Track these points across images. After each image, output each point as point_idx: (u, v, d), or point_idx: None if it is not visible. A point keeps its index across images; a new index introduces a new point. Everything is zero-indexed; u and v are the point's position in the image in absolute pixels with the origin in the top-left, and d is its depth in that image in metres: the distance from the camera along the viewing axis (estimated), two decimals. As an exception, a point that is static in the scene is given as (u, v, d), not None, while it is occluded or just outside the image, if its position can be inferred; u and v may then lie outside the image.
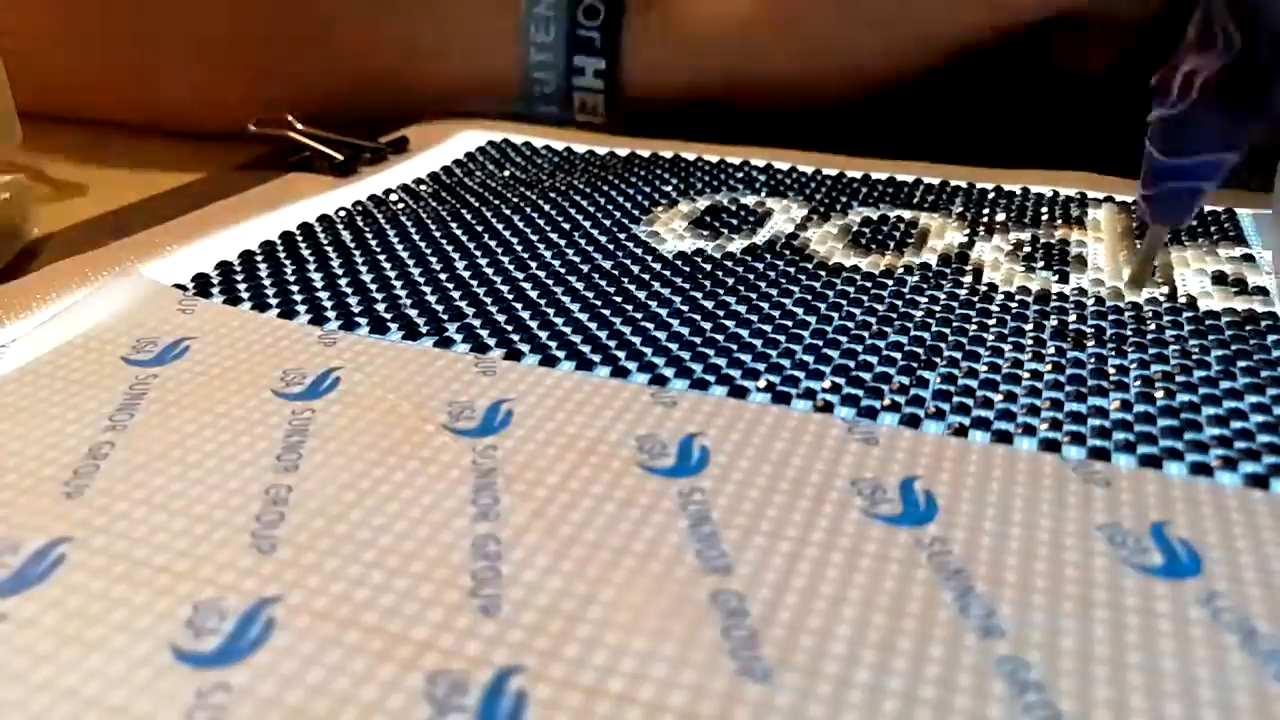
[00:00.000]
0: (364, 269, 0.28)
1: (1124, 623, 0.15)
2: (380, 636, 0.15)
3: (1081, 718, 0.13)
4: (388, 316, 0.25)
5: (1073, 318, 0.25)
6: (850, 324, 0.24)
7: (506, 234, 0.30)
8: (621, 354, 0.23)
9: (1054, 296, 0.26)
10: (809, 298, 0.26)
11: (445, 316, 0.25)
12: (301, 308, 0.25)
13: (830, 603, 0.15)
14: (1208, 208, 0.32)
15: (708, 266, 0.28)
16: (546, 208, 0.32)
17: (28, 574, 0.16)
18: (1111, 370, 0.22)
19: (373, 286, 0.26)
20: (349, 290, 0.26)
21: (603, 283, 0.27)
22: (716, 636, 0.15)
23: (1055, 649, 0.15)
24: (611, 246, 0.29)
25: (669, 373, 0.22)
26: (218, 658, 0.14)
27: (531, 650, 0.14)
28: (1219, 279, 0.27)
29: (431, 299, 0.26)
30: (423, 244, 0.29)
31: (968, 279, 0.27)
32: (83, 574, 0.16)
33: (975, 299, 0.26)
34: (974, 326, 0.24)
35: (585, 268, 0.28)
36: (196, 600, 0.15)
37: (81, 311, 0.24)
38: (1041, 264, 0.28)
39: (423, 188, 0.35)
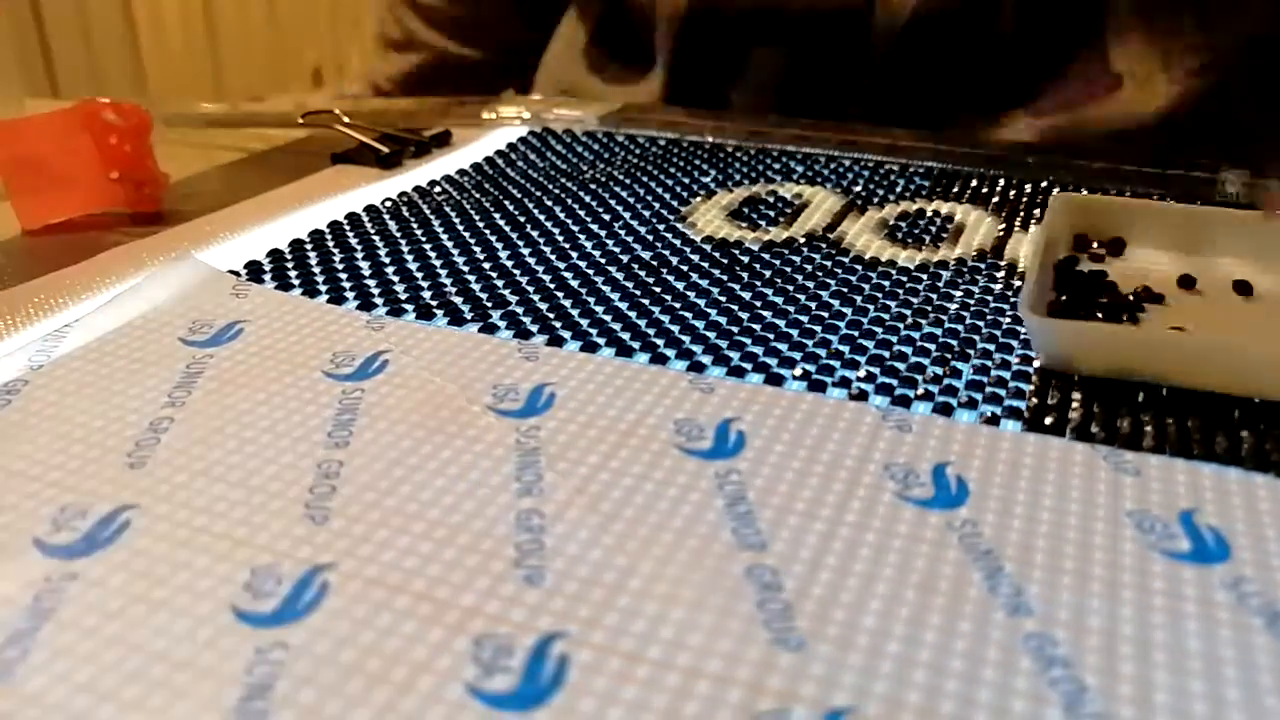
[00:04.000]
0: (410, 257, 0.28)
1: (1150, 604, 0.15)
2: (429, 602, 0.15)
3: (1106, 692, 0.14)
4: (433, 303, 0.25)
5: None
6: (885, 315, 0.25)
7: (548, 224, 0.31)
8: (660, 341, 0.23)
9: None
10: (845, 290, 0.26)
11: (489, 303, 0.25)
12: (350, 294, 0.26)
13: (862, 579, 0.16)
14: None
15: (745, 258, 0.28)
16: (587, 199, 0.33)
17: (96, 537, 0.17)
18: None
19: (418, 274, 0.27)
20: (396, 278, 0.27)
21: (642, 273, 0.27)
22: (752, 608, 0.15)
23: (1082, 628, 0.15)
24: (651, 237, 0.30)
25: (706, 360, 0.23)
26: (275, 618, 0.15)
27: (574, 618, 0.15)
28: None
29: (475, 287, 0.26)
30: (466, 233, 0.30)
31: (1001, 273, 0.27)
32: (147, 539, 0.17)
33: (1009, 292, 0.26)
34: (1007, 319, 0.25)
35: (625, 258, 0.28)
36: (254, 565, 0.16)
37: (140, 294, 0.25)
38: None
39: (465, 179, 0.35)
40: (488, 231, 0.30)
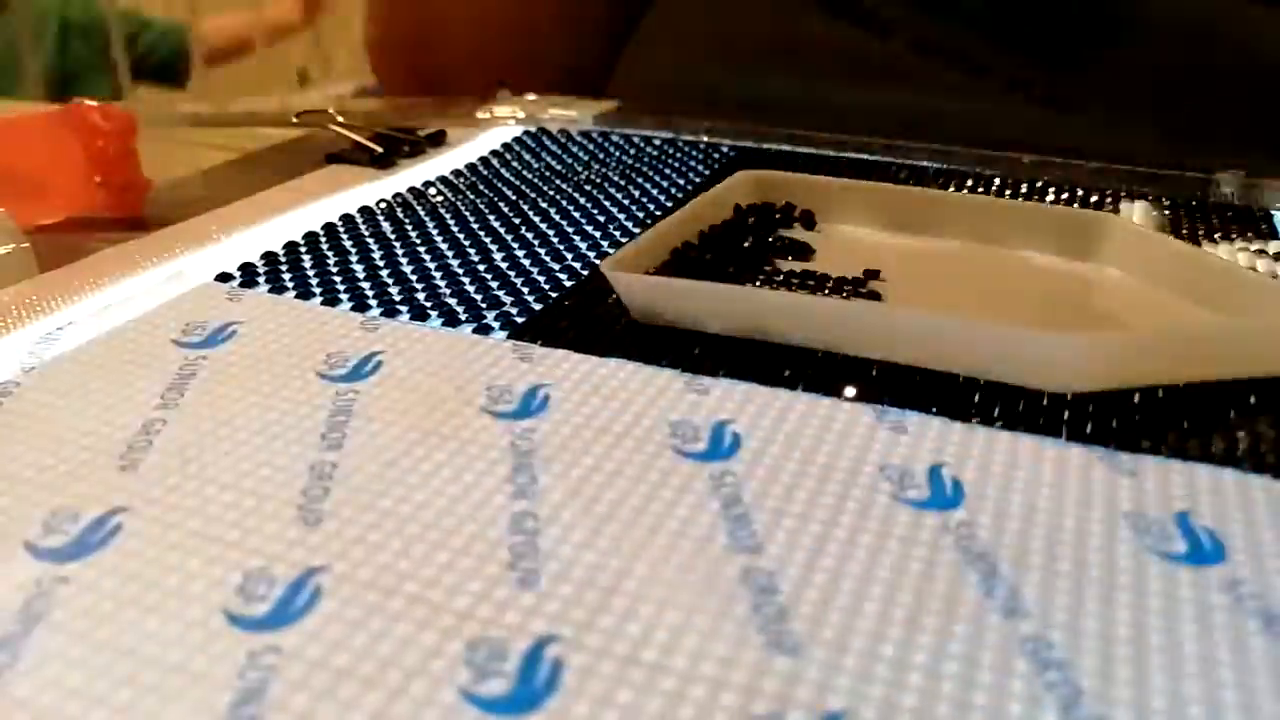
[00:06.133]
0: (404, 259, 0.28)
1: (1146, 606, 0.15)
2: (422, 605, 0.15)
3: (1102, 695, 0.14)
4: (427, 304, 0.25)
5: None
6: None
7: (542, 225, 0.31)
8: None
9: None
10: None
11: (483, 304, 0.25)
12: (344, 295, 0.26)
13: (858, 581, 0.16)
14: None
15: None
16: (581, 199, 0.33)
17: (87, 541, 0.16)
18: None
19: (413, 275, 0.27)
20: (390, 279, 0.27)
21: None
22: (747, 611, 0.15)
23: (1078, 630, 0.15)
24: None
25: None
26: (268, 622, 0.15)
27: (568, 621, 0.15)
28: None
29: (470, 288, 0.26)
30: (460, 234, 0.30)
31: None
32: (139, 542, 0.16)
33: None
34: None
35: (620, 259, 0.28)
36: (246, 568, 0.16)
37: (131, 302, 0.25)
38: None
39: (460, 179, 0.35)
40: (482, 232, 0.30)
